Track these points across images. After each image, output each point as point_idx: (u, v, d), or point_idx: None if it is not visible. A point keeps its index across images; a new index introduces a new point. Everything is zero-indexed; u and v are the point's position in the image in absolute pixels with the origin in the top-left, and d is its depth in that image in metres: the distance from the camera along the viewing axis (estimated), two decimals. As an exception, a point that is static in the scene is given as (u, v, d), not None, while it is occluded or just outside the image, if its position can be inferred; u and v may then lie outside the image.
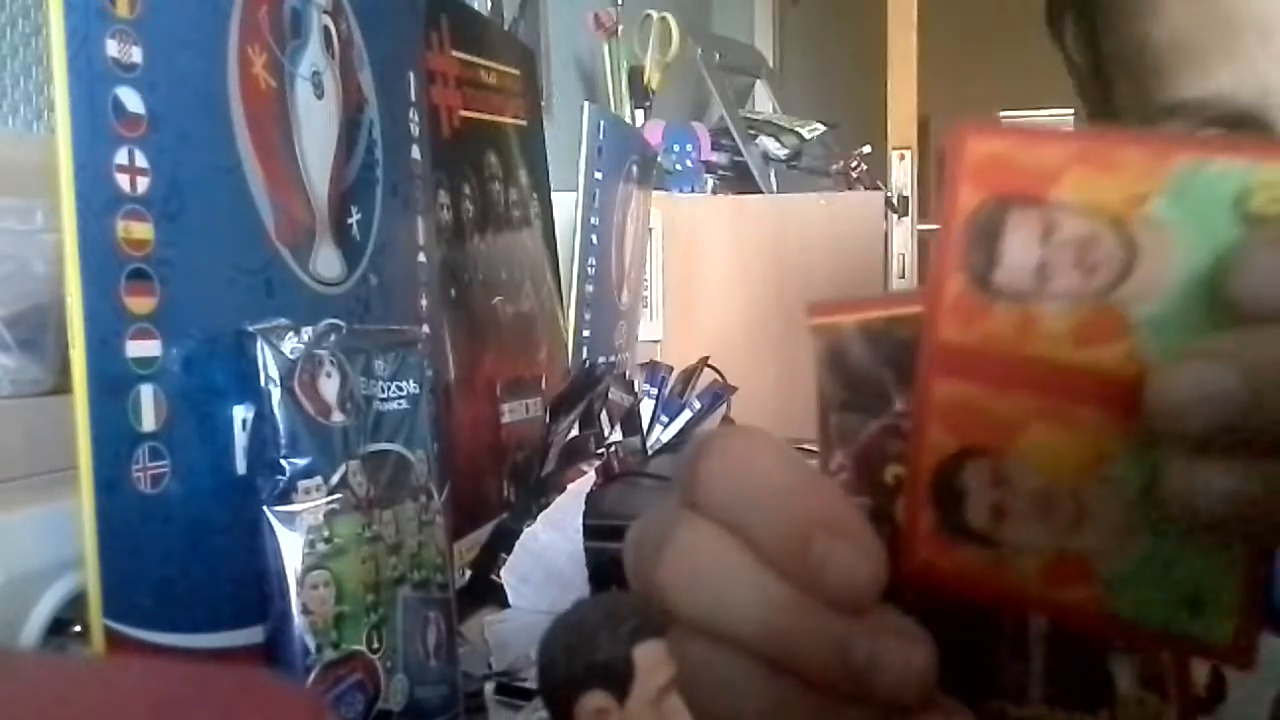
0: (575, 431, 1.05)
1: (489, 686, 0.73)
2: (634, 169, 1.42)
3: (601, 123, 1.26)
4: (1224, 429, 0.22)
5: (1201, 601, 0.24)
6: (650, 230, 1.60)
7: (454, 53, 1.00)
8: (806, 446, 0.28)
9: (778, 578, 0.26)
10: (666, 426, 1.34)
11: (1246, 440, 0.22)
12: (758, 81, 2.48)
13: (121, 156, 0.52)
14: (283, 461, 0.58)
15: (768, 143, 2.05)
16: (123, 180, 0.52)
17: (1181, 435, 0.23)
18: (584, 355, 1.24)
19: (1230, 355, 0.22)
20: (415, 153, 0.82)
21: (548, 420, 1.02)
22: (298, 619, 0.57)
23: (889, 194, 2.29)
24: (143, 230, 0.53)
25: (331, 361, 0.61)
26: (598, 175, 1.26)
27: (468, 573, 0.86)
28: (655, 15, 1.88)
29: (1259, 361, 0.22)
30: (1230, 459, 0.23)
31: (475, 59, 1.05)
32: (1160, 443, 0.23)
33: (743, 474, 0.27)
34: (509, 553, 0.87)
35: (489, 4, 1.57)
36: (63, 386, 0.57)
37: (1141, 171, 0.23)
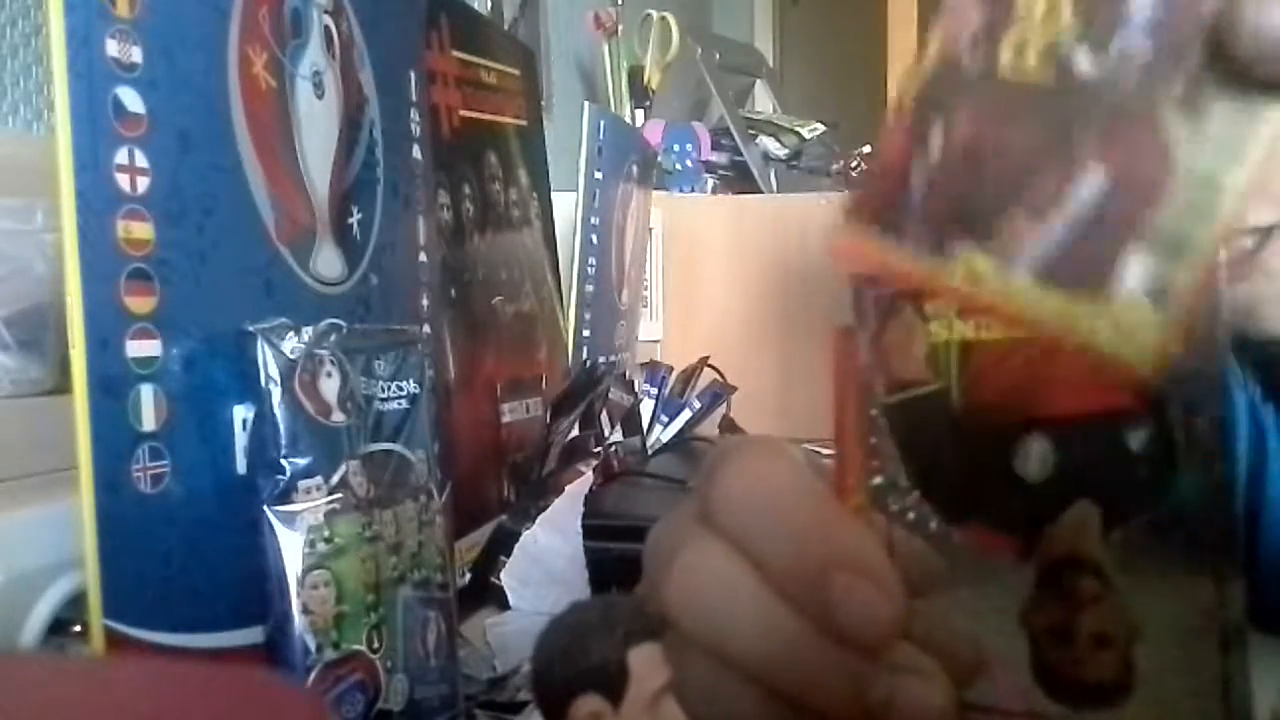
0: (575, 431, 1.05)
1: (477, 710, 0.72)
2: (634, 169, 1.41)
3: (601, 123, 1.26)
4: None
5: None
6: (650, 230, 1.60)
7: (454, 53, 1.00)
8: (812, 447, 0.28)
9: (787, 607, 0.26)
10: (666, 426, 1.34)
11: None
12: (758, 81, 2.48)
13: (121, 156, 0.52)
14: (283, 461, 0.58)
15: (768, 143, 2.05)
16: (123, 180, 0.52)
17: None
18: (584, 355, 1.23)
19: None
20: (416, 153, 0.82)
21: (548, 420, 1.02)
22: (298, 619, 0.57)
23: (889, 194, 2.28)
24: (143, 230, 0.53)
25: (332, 361, 0.61)
26: (598, 175, 1.25)
27: (468, 573, 0.86)
28: (655, 15, 1.88)
29: None
30: None
31: (475, 59, 1.05)
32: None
33: (759, 497, 0.27)
34: (508, 555, 0.86)
35: (489, 4, 1.57)
36: (63, 386, 0.57)
37: None
